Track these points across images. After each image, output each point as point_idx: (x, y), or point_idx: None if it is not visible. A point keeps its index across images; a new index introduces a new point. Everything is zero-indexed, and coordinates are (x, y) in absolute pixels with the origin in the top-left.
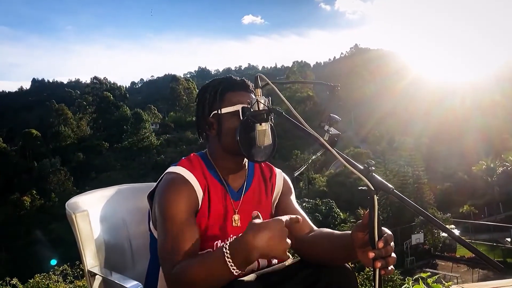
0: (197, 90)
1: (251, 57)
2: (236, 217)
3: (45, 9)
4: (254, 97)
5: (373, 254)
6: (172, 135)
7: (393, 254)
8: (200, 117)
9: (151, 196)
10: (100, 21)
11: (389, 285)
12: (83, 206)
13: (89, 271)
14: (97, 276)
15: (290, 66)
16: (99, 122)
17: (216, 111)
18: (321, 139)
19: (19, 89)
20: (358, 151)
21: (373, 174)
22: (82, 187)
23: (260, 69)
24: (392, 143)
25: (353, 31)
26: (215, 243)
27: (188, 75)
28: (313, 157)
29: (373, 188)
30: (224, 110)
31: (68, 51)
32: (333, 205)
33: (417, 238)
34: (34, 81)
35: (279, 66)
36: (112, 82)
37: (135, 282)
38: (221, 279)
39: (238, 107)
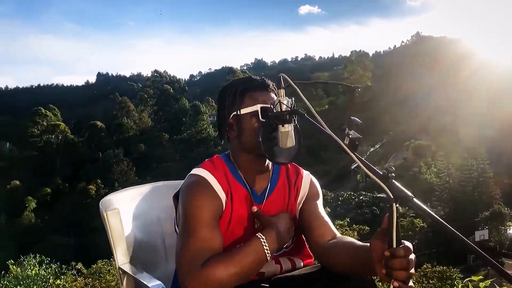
0: None
1: (308, 48)
2: None
3: (108, 5)
4: (275, 97)
5: (383, 269)
6: None
7: (412, 270)
8: (220, 119)
9: (176, 197)
10: (159, 16)
11: (448, 284)
12: (115, 204)
13: (120, 268)
14: (127, 274)
15: (348, 55)
16: (159, 114)
17: (235, 112)
18: (341, 142)
19: (85, 83)
20: (419, 143)
21: (393, 181)
22: (144, 177)
23: (317, 59)
24: (455, 135)
25: (415, 19)
26: (237, 247)
27: (245, 67)
28: (371, 149)
29: (392, 196)
30: (243, 111)
31: (130, 45)
32: None
33: (481, 234)
34: (99, 75)
35: (336, 56)
36: (171, 75)
37: (158, 282)
38: (254, 266)
39: (257, 107)
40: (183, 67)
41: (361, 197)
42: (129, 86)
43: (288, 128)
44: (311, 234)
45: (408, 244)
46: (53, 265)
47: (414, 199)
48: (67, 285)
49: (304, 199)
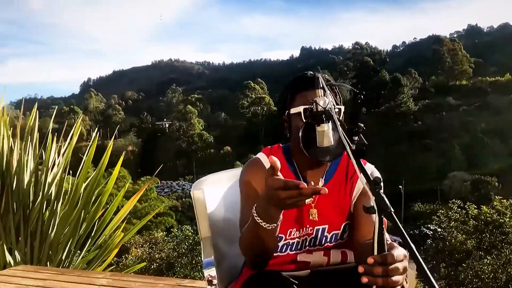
0: (464, 52)
1: None
2: (314, 211)
3: None
4: (328, 94)
5: (362, 269)
6: (431, 100)
7: (395, 278)
8: (280, 115)
9: None
10: None
11: None
12: (203, 184)
13: (203, 239)
14: (207, 245)
15: None
16: (358, 87)
17: (287, 111)
18: (348, 147)
19: (290, 57)
20: None
21: (380, 191)
22: None
23: None
24: None
25: None
26: (289, 231)
27: (455, 35)
28: None
29: (375, 208)
30: (292, 111)
31: (333, 19)
32: None
33: None
34: (302, 49)
35: None
36: (373, 46)
37: (236, 253)
38: (260, 238)
39: (301, 108)
40: (386, 38)
41: None
42: (330, 59)
43: (324, 127)
44: (354, 232)
45: (396, 252)
46: None
47: (392, 213)
48: None
49: (358, 195)
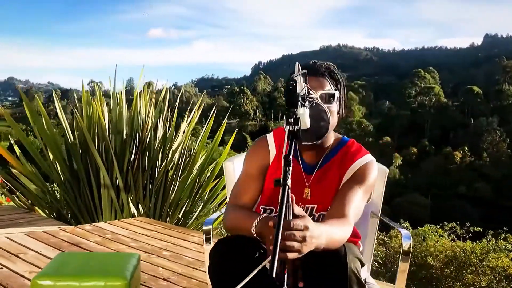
0: None
1: None
2: (307, 190)
3: None
4: (327, 82)
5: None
6: None
7: (289, 243)
8: None
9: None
10: None
11: None
12: (235, 159)
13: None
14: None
15: None
16: None
17: None
18: (287, 127)
19: (470, 45)
20: None
21: (288, 168)
22: None
23: None
24: None
25: None
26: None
27: None
28: None
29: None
30: None
31: None
32: None
33: None
34: (486, 36)
35: None
36: None
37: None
38: (249, 234)
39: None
40: None
41: None
42: None
43: (300, 111)
44: (328, 211)
45: (295, 221)
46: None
47: (287, 186)
48: (385, 238)
49: (347, 179)
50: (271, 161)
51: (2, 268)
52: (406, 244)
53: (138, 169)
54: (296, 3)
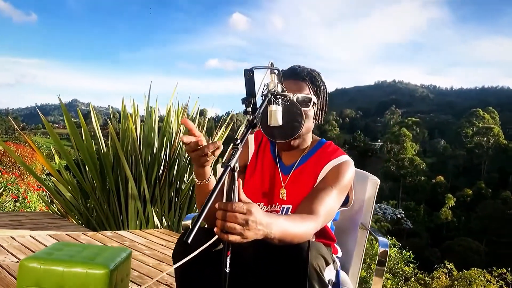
0: None
1: None
2: (283, 190)
3: None
4: (306, 86)
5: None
6: None
7: (230, 224)
8: None
9: None
10: None
11: None
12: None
13: None
14: None
15: None
16: None
17: None
18: (248, 118)
19: None
20: None
21: (236, 152)
22: None
23: None
24: None
25: None
26: (257, 203)
27: None
28: None
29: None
30: None
31: None
32: None
33: None
34: None
35: None
36: None
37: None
38: (198, 196)
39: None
40: None
41: None
42: None
43: (272, 108)
44: (296, 208)
45: (236, 204)
46: None
47: (229, 167)
48: (427, 278)
49: (321, 179)
50: (249, 159)
51: (18, 262)
52: (382, 250)
53: (165, 182)
54: (354, 38)
